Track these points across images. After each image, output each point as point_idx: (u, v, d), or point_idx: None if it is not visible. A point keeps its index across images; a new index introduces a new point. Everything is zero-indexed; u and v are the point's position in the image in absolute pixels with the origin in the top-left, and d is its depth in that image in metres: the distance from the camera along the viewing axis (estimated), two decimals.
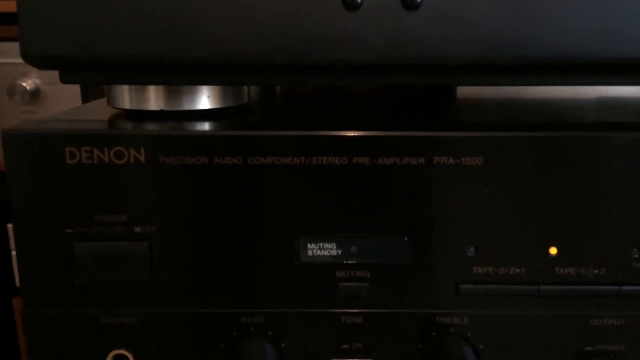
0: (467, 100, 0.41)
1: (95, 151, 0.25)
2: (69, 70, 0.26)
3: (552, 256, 0.27)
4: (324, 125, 0.27)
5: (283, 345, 0.28)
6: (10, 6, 0.63)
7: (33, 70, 0.68)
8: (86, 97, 0.69)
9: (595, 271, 0.27)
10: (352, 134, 0.26)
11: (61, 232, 0.26)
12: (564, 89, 0.44)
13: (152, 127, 0.27)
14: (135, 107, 0.29)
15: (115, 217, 0.26)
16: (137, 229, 0.26)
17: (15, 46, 0.67)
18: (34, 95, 0.68)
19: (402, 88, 0.49)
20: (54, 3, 0.24)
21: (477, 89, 0.45)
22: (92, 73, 0.26)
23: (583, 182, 0.26)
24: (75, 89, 0.68)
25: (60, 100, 0.69)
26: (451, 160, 0.26)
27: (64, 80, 0.26)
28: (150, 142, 0.26)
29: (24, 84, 0.67)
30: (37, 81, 0.68)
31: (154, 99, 0.29)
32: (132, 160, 0.26)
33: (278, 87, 0.47)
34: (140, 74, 0.26)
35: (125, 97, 0.29)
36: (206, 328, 0.28)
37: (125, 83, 0.28)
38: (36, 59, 0.25)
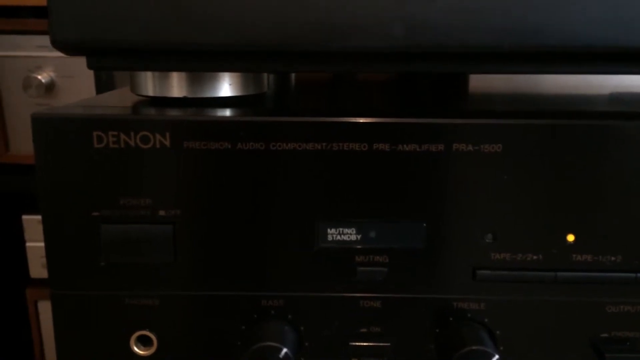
0: (479, 93, 0.41)
1: (122, 136, 0.26)
2: (96, 56, 0.27)
3: (569, 243, 0.27)
4: (344, 112, 0.27)
5: (302, 328, 0.29)
6: (27, 0, 0.64)
7: (48, 63, 0.68)
8: (100, 90, 0.69)
9: (612, 258, 0.28)
10: (372, 121, 0.26)
11: (88, 214, 0.27)
12: (577, 83, 0.44)
13: (174, 112, 0.28)
14: (158, 94, 0.30)
15: (140, 200, 0.27)
16: (162, 213, 0.27)
17: (31, 39, 0.67)
18: (49, 88, 0.69)
19: (413, 78, 0.49)
20: None
21: (489, 82, 0.45)
22: (117, 59, 0.27)
23: (600, 169, 0.27)
24: (89, 82, 0.69)
25: (75, 93, 0.69)
26: (470, 147, 0.27)
27: (91, 66, 0.27)
28: (175, 127, 0.26)
29: (39, 77, 0.68)
30: (52, 74, 0.69)
31: (176, 86, 0.29)
32: (157, 145, 0.26)
33: (293, 77, 0.47)
34: (165, 60, 0.27)
35: (149, 84, 0.30)
36: (227, 310, 0.28)
37: (150, 69, 0.29)
38: (64, 45, 0.25)
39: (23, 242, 0.72)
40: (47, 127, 0.26)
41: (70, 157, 0.26)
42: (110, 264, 0.27)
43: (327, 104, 0.35)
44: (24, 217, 0.71)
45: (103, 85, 0.70)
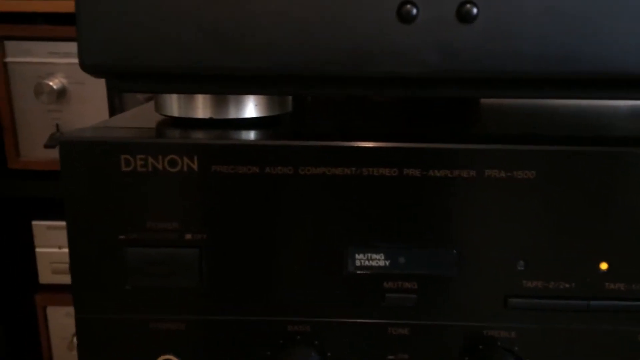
0: (491, 108, 0.40)
1: (150, 159, 0.26)
2: (125, 79, 0.26)
3: (603, 271, 0.27)
4: (374, 137, 0.27)
5: (329, 354, 0.28)
6: (37, 6, 0.63)
7: (59, 69, 0.68)
8: (112, 98, 0.69)
9: None
10: (404, 146, 0.26)
11: (114, 237, 0.26)
12: None
13: (201, 135, 0.27)
14: (183, 115, 0.29)
15: (167, 224, 0.26)
16: (188, 237, 0.27)
17: (42, 45, 0.67)
18: (61, 94, 0.68)
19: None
20: (111, 15, 0.24)
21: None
22: (146, 82, 0.26)
23: (635, 197, 0.26)
24: (101, 89, 0.69)
25: (87, 100, 0.69)
26: (502, 174, 0.26)
27: (120, 89, 0.26)
28: (203, 151, 0.26)
29: (50, 84, 0.67)
30: (64, 80, 0.69)
31: (202, 107, 0.29)
32: (185, 169, 0.26)
33: None
34: (193, 83, 0.26)
35: (174, 104, 0.29)
36: (253, 336, 0.28)
37: (178, 92, 0.28)
38: (93, 69, 0.25)
39: (33, 248, 0.71)
40: (75, 150, 0.25)
41: (97, 181, 0.26)
42: (136, 287, 0.27)
43: (345, 126, 0.35)
44: (34, 222, 0.71)
45: (115, 93, 0.69)
